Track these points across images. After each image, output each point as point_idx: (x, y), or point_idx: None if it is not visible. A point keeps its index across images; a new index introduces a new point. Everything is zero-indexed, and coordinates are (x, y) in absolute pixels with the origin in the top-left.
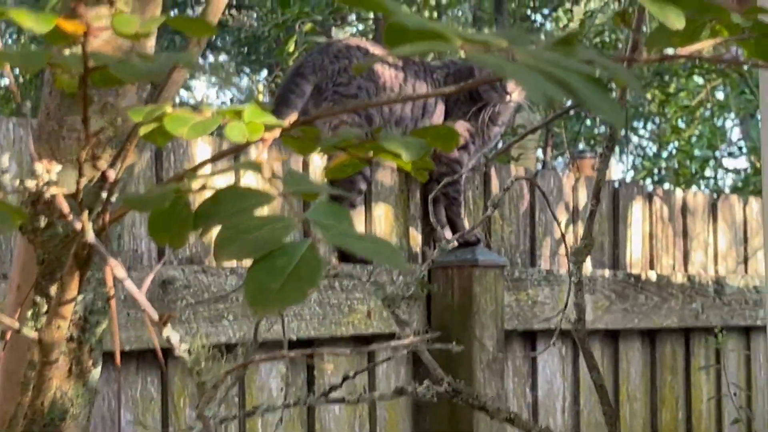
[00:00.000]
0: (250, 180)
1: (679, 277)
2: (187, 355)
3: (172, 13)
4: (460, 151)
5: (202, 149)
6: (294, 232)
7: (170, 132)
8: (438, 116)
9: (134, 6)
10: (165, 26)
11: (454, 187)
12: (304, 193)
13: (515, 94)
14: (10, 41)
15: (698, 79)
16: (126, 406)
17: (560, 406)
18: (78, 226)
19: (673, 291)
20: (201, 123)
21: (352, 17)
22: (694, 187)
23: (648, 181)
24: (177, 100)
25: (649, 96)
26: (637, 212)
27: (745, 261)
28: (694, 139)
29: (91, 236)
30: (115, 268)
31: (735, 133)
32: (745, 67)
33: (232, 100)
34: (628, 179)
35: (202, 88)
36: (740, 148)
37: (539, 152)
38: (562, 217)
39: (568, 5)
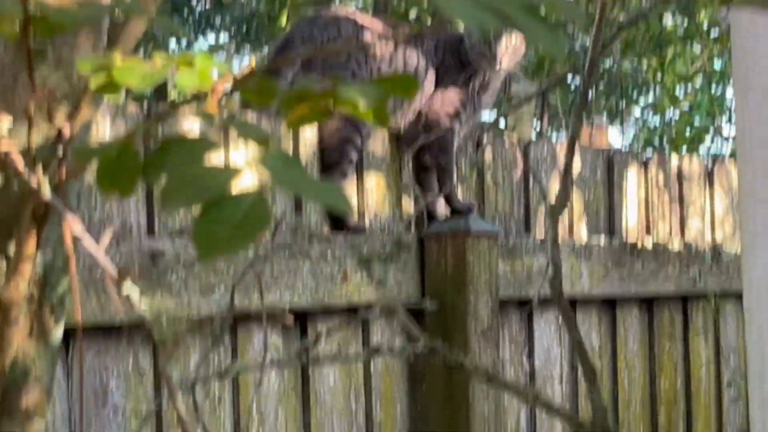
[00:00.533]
0: (239, 155)
1: (676, 244)
2: (147, 312)
3: None
4: (452, 119)
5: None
6: (239, 178)
7: (120, 83)
8: (428, 84)
9: None
10: None
11: (445, 156)
12: (253, 138)
13: (506, 62)
14: None
15: (696, 48)
16: (117, 381)
17: (558, 374)
18: (33, 182)
19: (670, 258)
20: (151, 73)
21: None
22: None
23: (649, 151)
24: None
25: (644, 65)
26: (632, 179)
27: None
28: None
29: (47, 193)
30: (73, 225)
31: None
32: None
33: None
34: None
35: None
36: None
37: (536, 123)
38: (557, 185)
39: None
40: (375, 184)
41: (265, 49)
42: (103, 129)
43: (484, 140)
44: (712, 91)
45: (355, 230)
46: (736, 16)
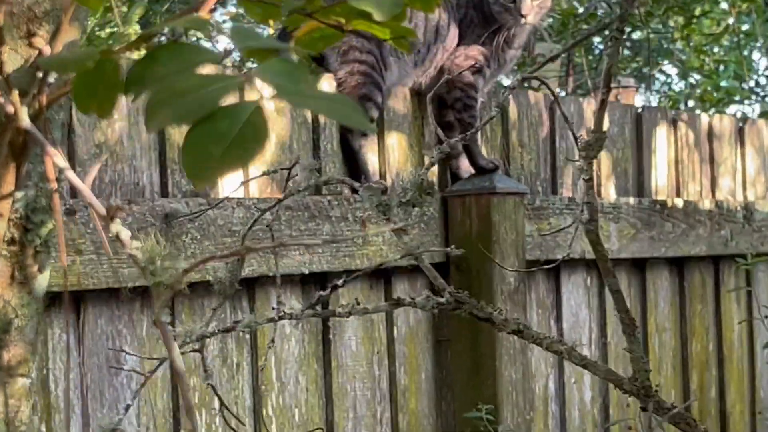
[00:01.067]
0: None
1: (707, 204)
2: (139, 253)
3: None
4: (475, 75)
5: None
6: (236, 90)
7: None
8: (452, 40)
9: None
10: None
11: (469, 112)
12: (256, 50)
13: (530, 16)
14: None
15: (723, 5)
16: (131, 346)
17: (587, 338)
18: (9, 109)
19: (700, 218)
20: None
21: None
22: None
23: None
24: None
25: (672, 23)
26: (661, 138)
27: None
28: (720, 68)
29: (25, 121)
30: (55, 157)
31: (763, 63)
32: None
33: None
34: None
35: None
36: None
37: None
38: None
39: None
40: (396, 142)
41: None
42: None
43: (509, 98)
44: (741, 51)
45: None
46: None
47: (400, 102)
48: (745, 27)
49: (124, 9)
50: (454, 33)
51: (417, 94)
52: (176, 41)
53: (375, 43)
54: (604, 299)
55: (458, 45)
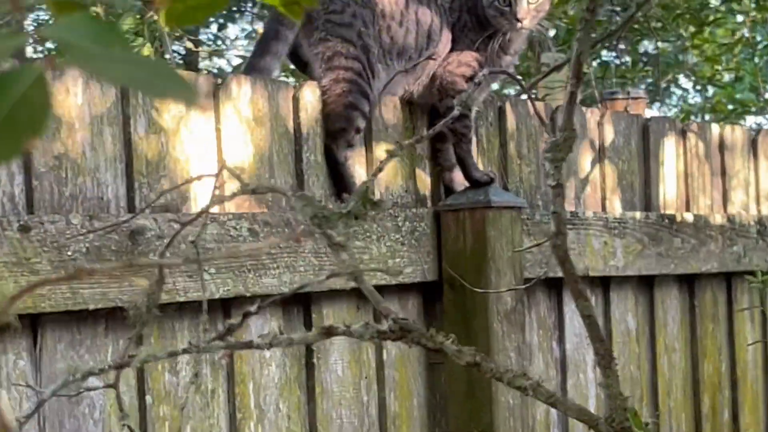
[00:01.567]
0: (232, 121)
1: (718, 218)
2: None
3: None
4: (469, 82)
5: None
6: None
7: None
8: (444, 45)
9: None
10: None
11: (462, 122)
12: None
13: (527, 20)
14: None
15: (739, 18)
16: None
17: (591, 360)
18: None
19: (711, 233)
20: None
21: None
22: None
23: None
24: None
25: (683, 32)
26: (669, 149)
27: None
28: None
29: None
30: None
31: None
32: None
33: None
34: None
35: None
36: None
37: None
38: (587, 155)
39: None
40: (385, 154)
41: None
42: None
43: (507, 107)
44: (755, 62)
45: (375, 205)
46: None
47: (389, 111)
48: (758, 38)
49: None
50: (447, 38)
51: (408, 102)
52: None
53: (362, 49)
54: (609, 318)
55: (451, 50)
